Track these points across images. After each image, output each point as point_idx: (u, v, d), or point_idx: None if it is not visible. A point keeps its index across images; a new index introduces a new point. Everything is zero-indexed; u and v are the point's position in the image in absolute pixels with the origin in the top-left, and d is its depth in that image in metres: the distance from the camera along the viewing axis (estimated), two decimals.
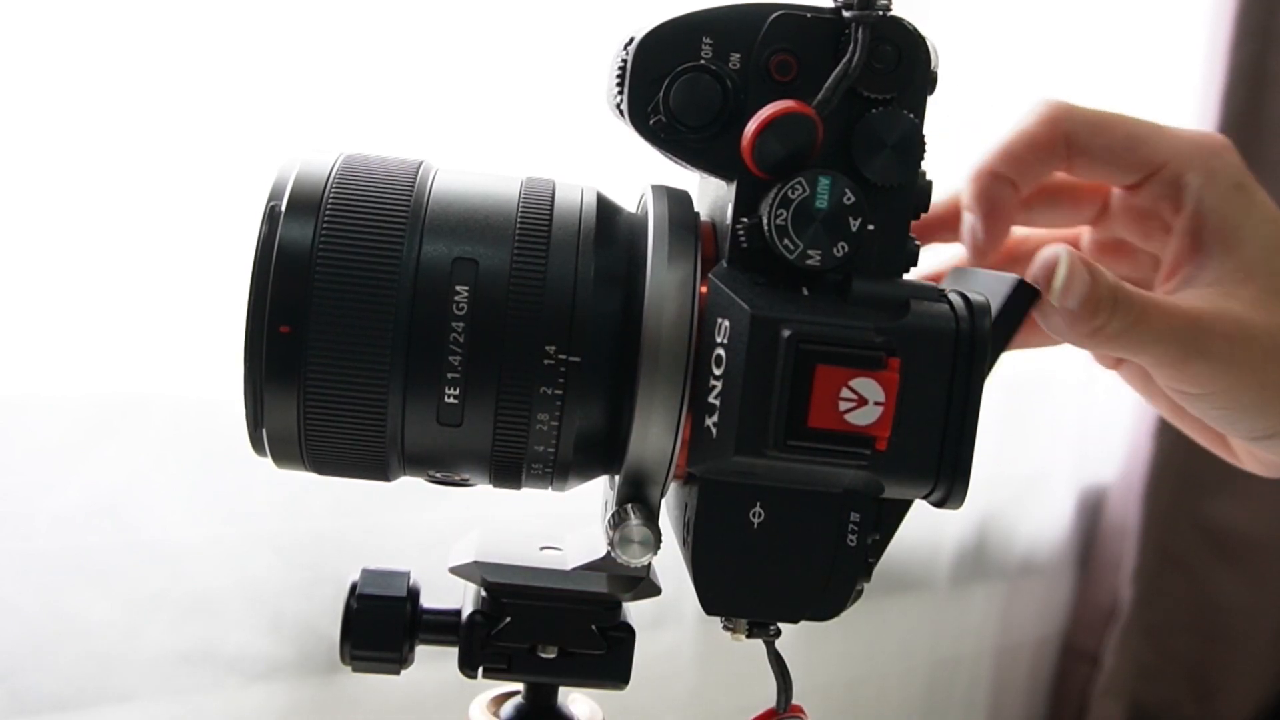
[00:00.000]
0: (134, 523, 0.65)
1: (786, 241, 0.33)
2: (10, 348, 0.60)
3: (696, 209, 0.37)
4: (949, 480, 0.34)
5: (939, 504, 0.35)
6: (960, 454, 0.34)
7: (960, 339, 0.34)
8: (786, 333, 0.32)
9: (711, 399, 0.33)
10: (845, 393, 0.32)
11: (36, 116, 0.59)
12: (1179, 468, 1.19)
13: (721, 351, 0.33)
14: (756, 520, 0.35)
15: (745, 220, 0.34)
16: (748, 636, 0.38)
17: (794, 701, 0.39)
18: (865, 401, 0.32)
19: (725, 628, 0.38)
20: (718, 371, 0.33)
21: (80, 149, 0.60)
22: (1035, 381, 1.10)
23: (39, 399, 0.62)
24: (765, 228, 0.33)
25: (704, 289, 0.34)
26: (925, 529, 1.04)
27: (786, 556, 0.35)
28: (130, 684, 0.66)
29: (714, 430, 0.33)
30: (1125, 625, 1.20)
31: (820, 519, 0.35)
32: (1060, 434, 1.17)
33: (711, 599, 0.36)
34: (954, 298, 0.35)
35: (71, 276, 0.61)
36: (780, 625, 0.38)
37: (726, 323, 0.33)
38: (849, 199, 0.33)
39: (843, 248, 0.33)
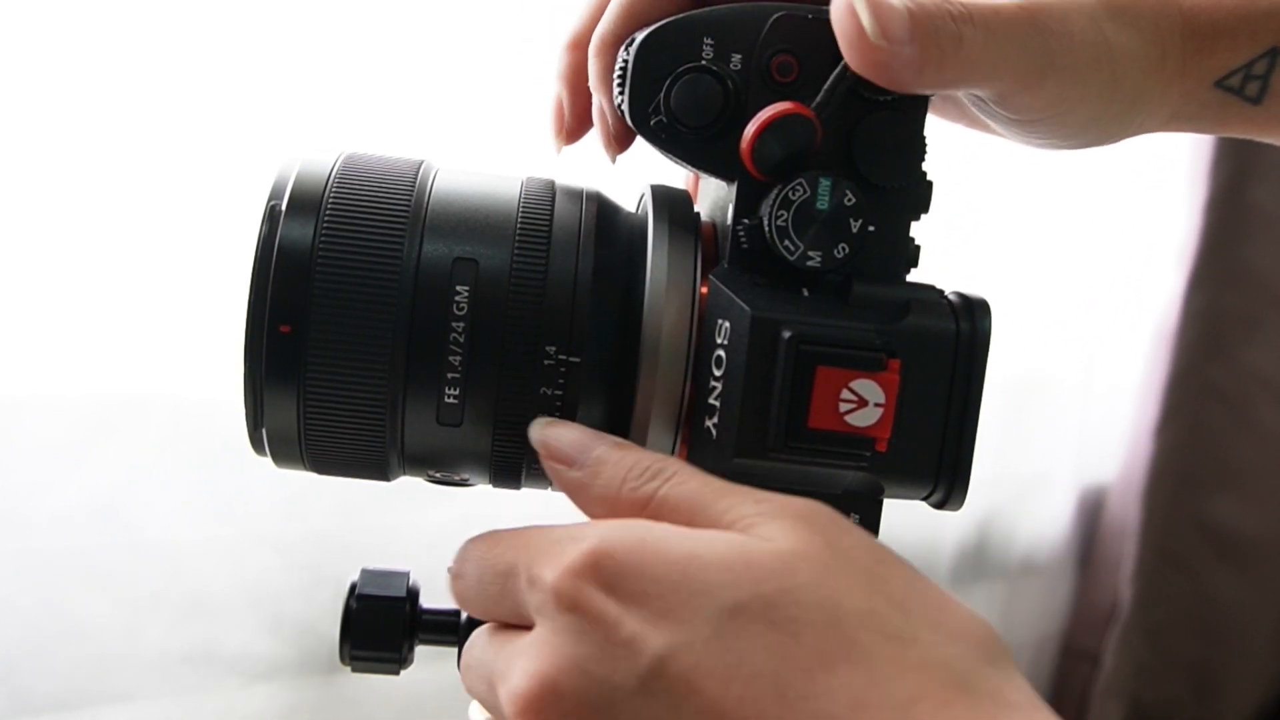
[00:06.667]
0: (133, 522, 0.65)
1: (787, 243, 0.33)
2: (10, 348, 0.60)
3: (697, 209, 0.37)
4: (949, 482, 0.34)
5: (939, 505, 0.35)
6: (960, 455, 0.34)
7: (960, 340, 0.34)
8: (787, 334, 0.32)
9: (712, 400, 0.33)
10: (845, 394, 0.32)
11: (37, 116, 0.59)
12: (1179, 468, 1.19)
13: (722, 353, 0.33)
14: None
15: (746, 221, 0.34)
16: None
17: None
18: (865, 403, 0.32)
19: None
20: (718, 372, 0.33)
21: (80, 149, 0.60)
22: (1035, 382, 1.10)
23: (39, 399, 0.62)
24: (766, 229, 0.33)
25: (704, 289, 0.34)
26: (925, 529, 1.04)
27: None
28: (130, 684, 0.66)
29: (714, 431, 0.33)
30: (1125, 625, 1.20)
31: None
32: (1060, 434, 1.17)
33: None
34: (954, 298, 0.35)
35: (71, 276, 0.61)
36: None
37: (727, 324, 0.33)
38: (850, 200, 0.33)
39: (843, 249, 0.33)
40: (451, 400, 0.34)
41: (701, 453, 0.34)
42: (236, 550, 0.69)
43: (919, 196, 0.35)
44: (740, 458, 0.33)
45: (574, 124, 0.39)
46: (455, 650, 0.40)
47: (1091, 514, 1.25)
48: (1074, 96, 0.34)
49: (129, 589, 0.66)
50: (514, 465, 0.36)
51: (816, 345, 0.32)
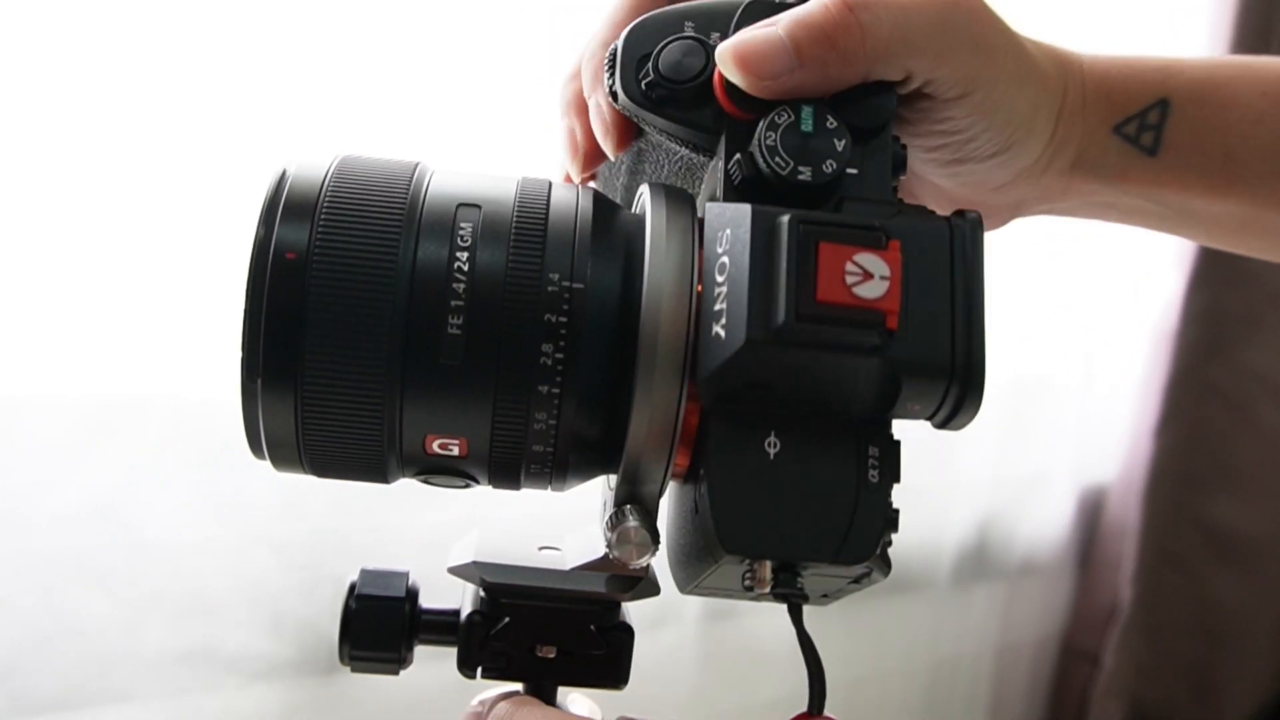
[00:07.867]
0: (133, 522, 0.65)
1: (778, 159, 0.34)
2: (10, 348, 0.60)
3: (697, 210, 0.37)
4: (964, 376, 0.33)
5: (954, 412, 0.34)
6: (971, 347, 0.33)
7: (955, 233, 0.34)
8: (786, 217, 0.32)
9: (718, 306, 0.33)
10: (850, 267, 0.32)
11: (37, 117, 0.59)
12: (1179, 468, 1.19)
13: (726, 259, 0.33)
14: (773, 450, 0.34)
15: (737, 156, 0.35)
16: (772, 591, 0.35)
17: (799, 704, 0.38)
18: (871, 275, 0.32)
19: (745, 584, 0.35)
20: (720, 279, 0.33)
21: (80, 150, 0.60)
22: (1035, 382, 1.10)
23: (39, 399, 0.62)
24: (757, 152, 0.35)
25: (698, 230, 0.35)
26: (926, 529, 1.04)
27: (807, 489, 0.34)
28: (130, 684, 0.66)
29: (723, 334, 0.33)
30: (1125, 625, 1.20)
31: (838, 447, 0.34)
32: (1060, 434, 1.18)
33: (731, 534, 0.34)
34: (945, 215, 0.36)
35: (71, 276, 0.61)
36: (799, 603, 0.35)
37: (726, 230, 0.33)
38: (831, 123, 0.35)
39: (831, 165, 0.34)
40: None
41: (710, 357, 0.33)
42: (236, 550, 0.69)
43: (895, 152, 0.37)
44: (751, 339, 0.32)
45: (590, 149, 0.41)
46: (454, 650, 0.40)
47: (1091, 514, 1.25)
48: (989, 75, 0.36)
49: (129, 589, 0.66)
50: (513, 465, 0.36)
51: (817, 224, 0.32)
